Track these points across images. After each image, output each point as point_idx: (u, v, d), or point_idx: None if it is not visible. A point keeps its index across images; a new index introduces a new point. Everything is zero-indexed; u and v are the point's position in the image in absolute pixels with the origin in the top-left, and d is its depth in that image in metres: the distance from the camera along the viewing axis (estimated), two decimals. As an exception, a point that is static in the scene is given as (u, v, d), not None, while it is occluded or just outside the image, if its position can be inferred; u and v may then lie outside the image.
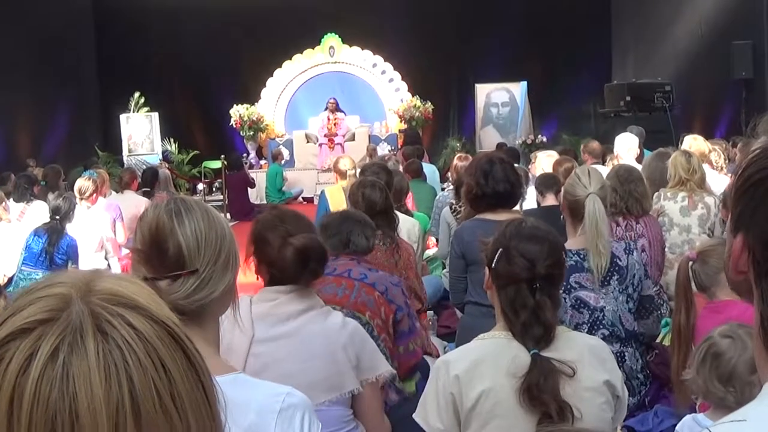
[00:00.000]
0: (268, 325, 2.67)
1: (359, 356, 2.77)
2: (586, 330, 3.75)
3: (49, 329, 0.80)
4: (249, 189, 14.93)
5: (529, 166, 8.27)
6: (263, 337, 2.65)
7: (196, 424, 0.84)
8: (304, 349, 2.69)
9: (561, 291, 3.71)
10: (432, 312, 5.63)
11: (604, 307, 3.82)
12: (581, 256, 3.83)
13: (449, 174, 9.67)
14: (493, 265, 2.43)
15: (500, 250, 2.41)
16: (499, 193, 4.32)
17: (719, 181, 6.69)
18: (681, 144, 7.58)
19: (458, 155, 8.43)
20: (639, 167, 6.46)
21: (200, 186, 16.50)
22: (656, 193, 5.99)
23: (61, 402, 0.77)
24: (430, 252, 6.85)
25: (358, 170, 6.71)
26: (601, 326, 3.82)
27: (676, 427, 2.75)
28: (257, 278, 2.80)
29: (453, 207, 5.96)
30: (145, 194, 9.70)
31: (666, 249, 5.65)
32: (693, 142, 7.41)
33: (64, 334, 0.80)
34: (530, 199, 6.23)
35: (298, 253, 2.63)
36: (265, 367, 2.61)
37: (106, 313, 0.82)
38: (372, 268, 3.65)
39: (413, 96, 17.66)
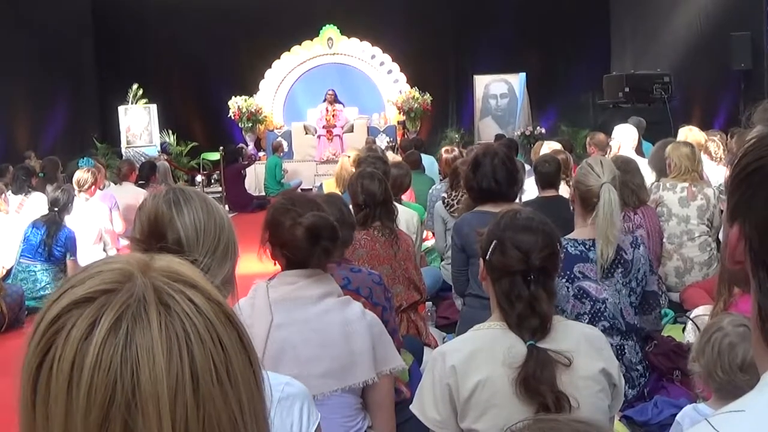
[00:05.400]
0: (287, 310, 2.69)
1: (376, 348, 2.78)
2: (586, 321, 3.75)
3: (112, 298, 0.83)
4: (245, 180, 14.93)
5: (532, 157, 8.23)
6: (282, 321, 2.66)
7: (248, 402, 0.87)
8: (322, 335, 2.70)
9: (564, 280, 3.73)
10: (431, 303, 5.64)
11: (606, 299, 3.82)
12: (587, 246, 3.83)
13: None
14: (488, 256, 2.43)
15: (494, 241, 2.41)
16: (497, 184, 4.34)
17: (717, 171, 6.70)
18: (677, 136, 7.58)
19: (444, 148, 8.33)
20: (637, 158, 6.47)
21: (199, 178, 16.49)
22: (655, 183, 6.00)
23: (123, 368, 0.79)
24: (428, 243, 6.85)
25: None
26: (602, 318, 3.82)
27: (677, 417, 2.75)
28: (275, 263, 2.83)
29: (446, 201, 5.94)
30: (142, 187, 9.70)
31: (664, 240, 5.66)
32: (689, 133, 7.41)
33: (127, 303, 0.82)
34: (529, 191, 6.22)
35: (307, 232, 2.66)
36: (283, 351, 2.63)
37: (168, 288, 0.85)
38: (353, 267, 3.62)
39: (412, 87, 17.64)
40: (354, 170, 6.39)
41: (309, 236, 2.67)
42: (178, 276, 0.87)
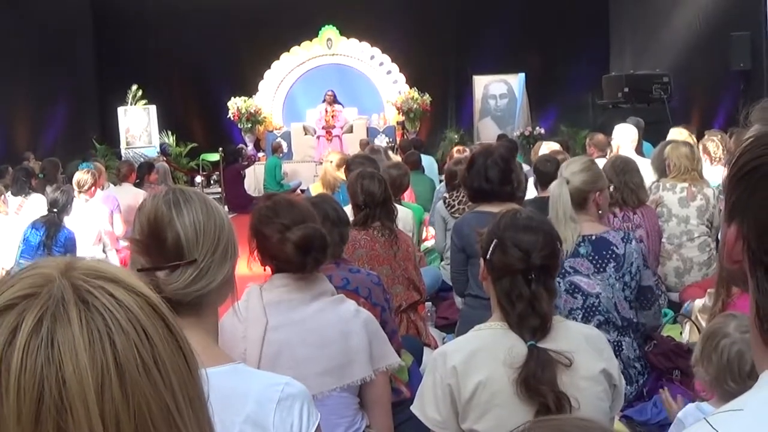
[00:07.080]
0: (281, 312, 2.69)
1: (372, 345, 2.78)
2: (580, 316, 3.76)
3: (32, 302, 0.84)
4: (245, 181, 14.95)
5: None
6: (277, 323, 2.66)
7: (180, 389, 0.87)
8: (317, 335, 2.70)
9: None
10: (430, 303, 5.63)
11: (600, 293, 3.82)
12: (578, 242, 3.85)
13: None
14: (488, 256, 2.43)
15: (495, 241, 2.41)
16: (485, 188, 4.36)
17: (715, 171, 6.69)
18: (668, 136, 7.58)
19: (456, 148, 8.31)
20: (637, 158, 6.48)
21: (198, 178, 16.50)
22: (655, 184, 6.00)
23: (47, 368, 0.80)
24: (428, 243, 6.84)
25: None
26: (596, 313, 3.82)
27: (679, 415, 2.75)
28: (264, 269, 2.81)
29: (447, 201, 5.94)
30: (137, 187, 9.69)
31: (664, 240, 5.66)
32: (679, 136, 7.42)
33: (47, 305, 0.83)
34: (529, 191, 6.20)
35: (297, 247, 2.65)
36: (279, 353, 2.63)
37: (87, 285, 0.86)
38: (352, 267, 3.62)
39: (411, 88, 17.65)
40: (337, 173, 6.41)
41: (299, 251, 2.65)
42: (98, 273, 0.88)
